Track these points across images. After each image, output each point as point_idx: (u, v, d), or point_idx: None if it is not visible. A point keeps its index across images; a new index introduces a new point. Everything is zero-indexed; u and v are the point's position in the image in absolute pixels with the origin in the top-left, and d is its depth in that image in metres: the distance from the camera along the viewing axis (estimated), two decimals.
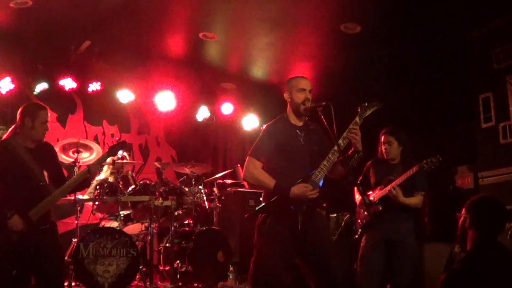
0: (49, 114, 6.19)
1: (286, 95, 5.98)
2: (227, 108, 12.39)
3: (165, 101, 11.46)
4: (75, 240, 8.32)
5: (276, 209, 5.56)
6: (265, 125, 6.01)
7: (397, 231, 6.93)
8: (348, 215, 9.64)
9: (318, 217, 5.74)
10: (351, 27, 9.02)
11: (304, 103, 5.82)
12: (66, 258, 8.22)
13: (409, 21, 8.64)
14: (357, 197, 7.33)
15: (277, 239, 5.50)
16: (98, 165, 6.40)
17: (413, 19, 8.59)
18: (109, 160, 9.26)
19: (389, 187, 6.89)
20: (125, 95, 11.02)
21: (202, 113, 12.24)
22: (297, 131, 5.86)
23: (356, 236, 7.37)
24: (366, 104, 5.81)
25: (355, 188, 7.27)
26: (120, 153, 9.58)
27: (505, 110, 8.06)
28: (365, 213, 7.20)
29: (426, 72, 9.86)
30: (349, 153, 5.71)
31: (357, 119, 5.72)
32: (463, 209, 4.30)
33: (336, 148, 5.56)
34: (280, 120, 5.97)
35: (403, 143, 7.19)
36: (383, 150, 7.23)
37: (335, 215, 9.93)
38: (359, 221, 7.34)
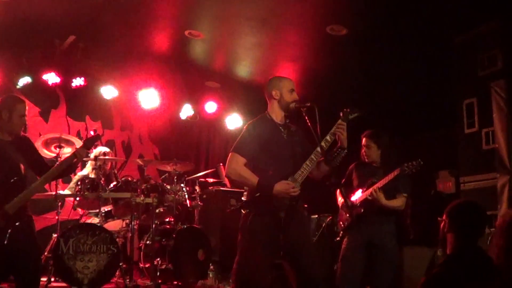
0: (27, 108, 6.15)
1: (275, 93, 5.94)
2: (211, 106, 12.38)
3: (149, 98, 11.43)
4: (55, 235, 8.29)
5: (259, 205, 5.58)
6: (249, 122, 5.98)
7: (379, 234, 6.97)
8: (330, 217, 9.65)
9: (300, 216, 5.75)
10: (337, 29, 9.03)
11: (293, 103, 5.87)
12: (46, 253, 8.22)
13: (395, 25, 8.66)
14: (340, 199, 7.34)
15: (259, 236, 5.52)
16: (84, 150, 6.33)
17: (399, 24, 8.61)
18: (92, 156, 9.25)
19: (370, 190, 6.93)
20: (108, 91, 11.00)
21: (186, 111, 12.21)
22: (281, 129, 5.89)
23: (338, 238, 7.40)
24: (348, 110, 5.83)
25: (338, 190, 7.29)
26: (103, 149, 9.57)
27: (489, 116, 8.09)
28: (347, 215, 7.23)
29: (410, 77, 9.89)
30: (334, 150, 5.75)
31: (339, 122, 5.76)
32: (444, 214, 4.32)
33: (319, 149, 5.59)
34: (264, 119, 5.96)
35: (382, 146, 7.23)
36: (363, 153, 7.28)
37: (316, 216, 9.94)
38: (341, 223, 7.37)
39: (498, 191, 7.83)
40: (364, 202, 7.05)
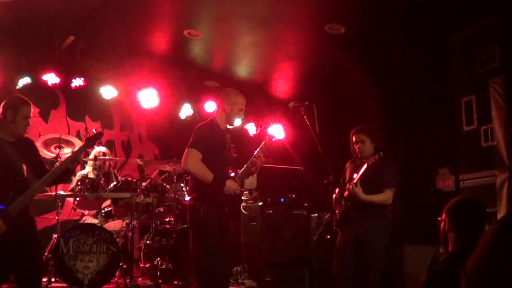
0: (31, 110, 6.15)
1: (226, 107, 6.50)
2: (210, 106, 12.36)
3: (148, 98, 11.40)
4: (56, 235, 8.30)
5: (210, 198, 6.14)
6: (200, 124, 6.55)
7: (365, 230, 6.99)
8: (329, 215, 9.66)
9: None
10: (336, 28, 9.03)
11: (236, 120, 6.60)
12: (46, 253, 8.22)
13: (393, 23, 8.66)
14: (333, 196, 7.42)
15: (212, 225, 6.12)
16: (76, 156, 6.33)
17: (397, 22, 8.61)
18: (91, 156, 9.25)
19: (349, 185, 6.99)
20: (108, 91, 10.99)
21: (185, 111, 12.19)
22: (225, 136, 6.54)
23: (328, 236, 7.44)
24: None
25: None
26: (101, 149, 9.56)
27: (487, 113, 8.09)
28: (336, 211, 7.30)
29: (409, 74, 9.88)
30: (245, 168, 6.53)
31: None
32: (443, 213, 4.33)
33: (249, 163, 6.47)
34: (212, 123, 6.53)
35: (376, 140, 7.26)
36: (357, 150, 7.29)
37: (316, 215, 9.95)
38: (333, 219, 7.45)
39: (497, 188, 7.83)
40: (348, 197, 7.09)
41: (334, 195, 7.34)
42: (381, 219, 7.11)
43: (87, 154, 9.27)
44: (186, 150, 6.19)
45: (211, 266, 6.03)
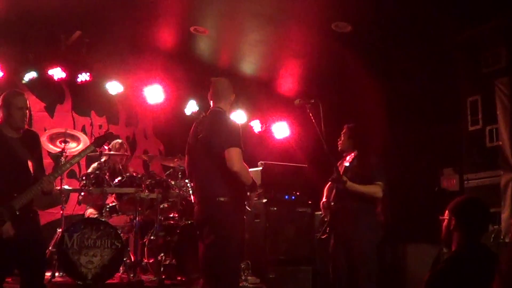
0: (26, 99, 6.10)
1: (232, 97, 6.32)
2: None
3: (154, 94, 11.40)
4: (60, 230, 8.31)
5: (242, 198, 5.93)
6: (230, 117, 6.25)
7: (353, 229, 7.00)
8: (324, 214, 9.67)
9: None
10: (342, 26, 9.03)
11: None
12: (50, 248, 8.24)
13: (399, 22, 8.66)
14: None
15: (241, 228, 5.99)
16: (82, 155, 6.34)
17: (403, 21, 8.61)
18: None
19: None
20: (114, 87, 10.99)
21: (191, 107, 12.19)
22: None
23: (323, 236, 7.42)
24: None
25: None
26: (117, 141, 9.59)
27: (493, 113, 8.09)
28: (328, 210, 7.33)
29: (414, 74, 9.88)
30: None
31: None
32: (447, 211, 4.33)
33: None
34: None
35: (354, 138, 7.29)
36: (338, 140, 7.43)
37: (320, 212, 9.95)
38: (326, 219, 7.45)
39: (501, 188, 7.83)
40: (336, 196, 7.13)
41: (324, 198, 7.37)
42: (369, 217, 7.10)
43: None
44: (231, 149, 5.69)
45: (238, 266, 5.89)
